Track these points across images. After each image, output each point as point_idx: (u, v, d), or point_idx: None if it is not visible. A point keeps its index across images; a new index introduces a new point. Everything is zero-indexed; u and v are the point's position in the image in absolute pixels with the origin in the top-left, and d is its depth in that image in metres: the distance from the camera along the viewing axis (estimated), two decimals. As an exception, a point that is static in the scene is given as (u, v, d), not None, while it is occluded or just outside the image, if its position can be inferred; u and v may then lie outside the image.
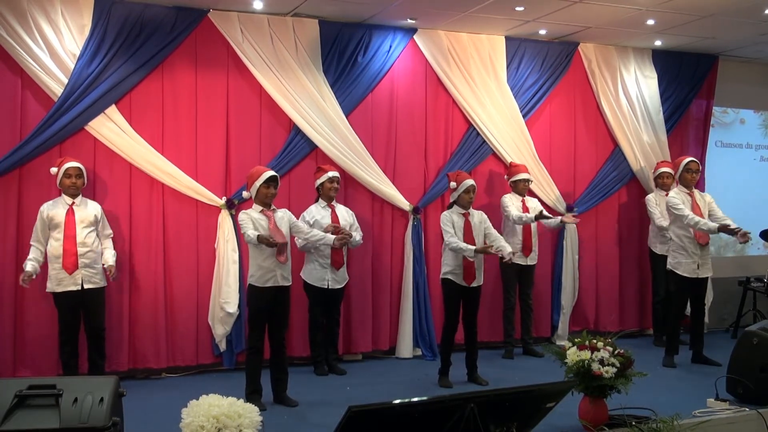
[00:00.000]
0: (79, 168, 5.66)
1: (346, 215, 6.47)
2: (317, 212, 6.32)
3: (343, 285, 6.46)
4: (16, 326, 5.87)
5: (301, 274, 6.31)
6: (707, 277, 6.63)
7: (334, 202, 6.44)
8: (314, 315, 6.39)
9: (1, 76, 5.88)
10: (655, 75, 8.01)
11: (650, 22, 6.86)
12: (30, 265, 5.50)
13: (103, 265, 5.69)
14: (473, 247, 5.75)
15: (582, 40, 7.64)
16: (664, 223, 7.09)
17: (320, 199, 6.40)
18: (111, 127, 6.10)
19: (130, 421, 3.81)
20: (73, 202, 5.63)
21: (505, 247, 5.92)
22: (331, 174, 6.36)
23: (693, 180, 6.60)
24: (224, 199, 6.42)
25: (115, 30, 6.07)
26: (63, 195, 5.66)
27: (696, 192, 6.62)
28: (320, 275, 6.26)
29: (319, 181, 6.39)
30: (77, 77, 5.95)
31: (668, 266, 6.62)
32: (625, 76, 7.87)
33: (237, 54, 6.45)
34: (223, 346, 6.38)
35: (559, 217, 7.22)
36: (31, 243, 5.59)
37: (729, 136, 8.72)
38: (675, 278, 6.57)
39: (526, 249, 6.98)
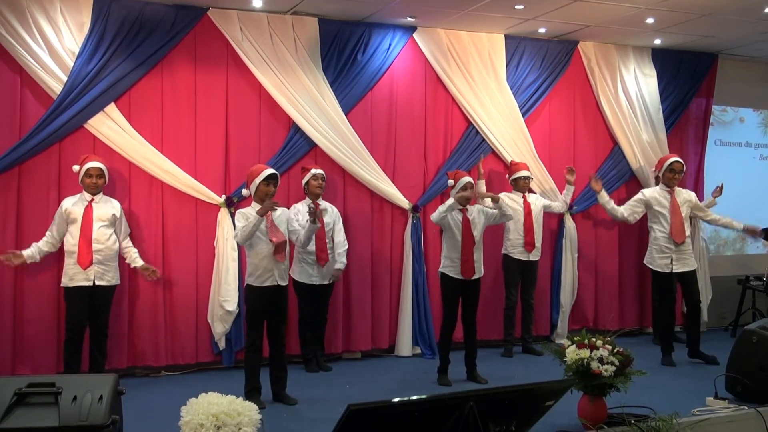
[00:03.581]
0: (100, 168, 5.70)
1: (331, 213, 6.47)
2: (303, 210, 6.33)
3: (331, 282, 6.47)
4: (15, 324, 5.87)
5: (290, 273, 6.32)
6: (692, 272, 6.64)
7: (320, 200, 6.44)
8: (303, 312, 6.40)
9: (1, 75, 5.87)
10: (654, 73, 8.01)
11: (650, 20, 6.86)
12: (30, 249, 5.61)
13: (138, 267, 5.83)
14: (450, 201, 5.81)
15: (581, 38, 7.64)
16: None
17: (307, 198, 6.41)
18: (110, 125, 6.09)
19: (129, 420, 3.81)
20: (93, 199, 5.66)
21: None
22: (315, 171, 6.37)
23: (675, 180, 6.70)
24: (223, 197, 6.42)
25: (114, 28, 6.07)
26: (84, 192, 5.70)
27: (677, 190, 6.71)
28: (307, 272, 6.27)
29: (304, 180, 6.41)
30: (76, 75, 5.94)
31: (644, 261, 6.85)
32: (625, 75, 7.87)
33: (236, 52, 6.44)
34: (222, 345, 6.38)
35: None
36: (47, 232, 5.65)
37: (728, 134, 8.72)
38: (652, 273, 6.79)
39: (528, 245, 6.98)
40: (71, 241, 5.58)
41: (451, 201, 5.81)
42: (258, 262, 5.25)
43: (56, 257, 5.84)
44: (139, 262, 5.85)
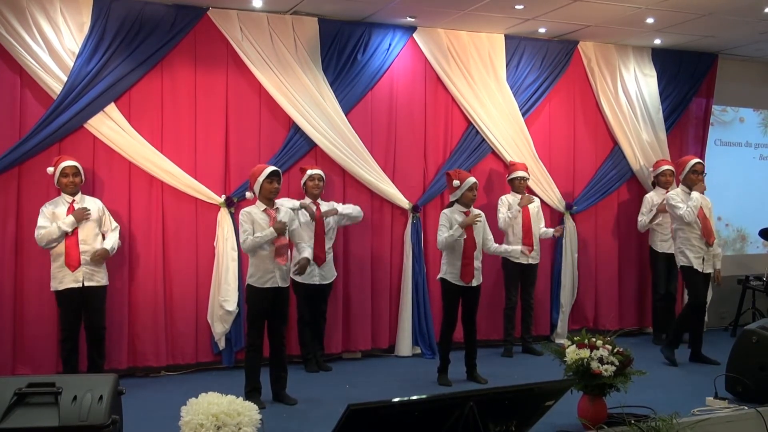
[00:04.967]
0: (75, 167, 5.64)
1: (329, 208, 6.46)
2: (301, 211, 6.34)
3: (330, 281, 6.49)
4: (15, 324, 5.87)
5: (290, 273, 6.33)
6: (710, 274, 6.69)
7: (319, 200, 6.45)
8: (302, 312, 6.41)
9: (1, 75, 5.87)
10: (654, 73, 8.01)
11: (650, 20, 6.86)
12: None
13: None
14: (457, 225, 5.78)
15: (581, 38, 7.64)
16: (645, 223, 7.50)
17: (306, 197, 6.42)
18: (110, 126, 6.09)
19: (129, 420, 3.81)
20: (74, 200, 5.63)
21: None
22: (311, 172, 6.39)
23: (698, 181, 6.63)
24: (223, 197, 6.42)
25: (114, 28, 6.07)
26: (62, 194, 5.66)
27: (701, 196, 6.67)
28: (307, 272, 6.25)
29: (302, 181, 6.44)
30: (76, 75, 5.94)
31: (679, 264, 6.68)
32: (625, 75, 7.87)
33: (236, 52, 6.44)
34: (222, 345, 6.38)
35: (550, 230, 7.17)
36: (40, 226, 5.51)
37: (728, 134, 8.72)
38: (690, 274, 6.61)
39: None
40: (57, 244, 5.53)
41: (457, 230, 5.77)
42: (259, 263, 5.25)
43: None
44: (106, 245, 5.63)
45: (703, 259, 6.56)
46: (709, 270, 6.64)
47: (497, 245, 6.20)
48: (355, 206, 6.62)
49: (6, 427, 3.07)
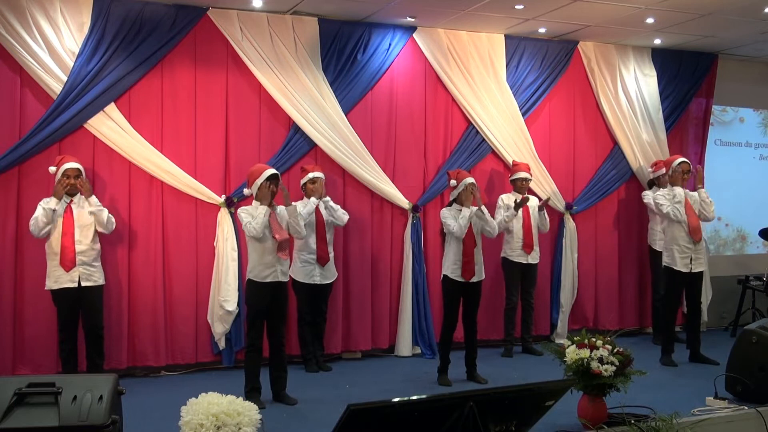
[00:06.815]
0: (77, 169, 5.64)
1: (327, 207, 6.46)
2: (301, 209, 6.33)
3: (331, 281, 6.50)
4: (15, 324, 5.87)
5: (289, 272, 6.33)
6: (701, 273, 6.66)
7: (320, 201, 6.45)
8: (302, 312, 6.41)
9: (1, 75, 5.87)
10: (654, 73, 8.01)
11: (650, 20, 6.86)
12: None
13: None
14: (472, 208, 5.79)
15: (581, 38, 7.64)
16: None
17: (304, 198, 6.42)
18: (110, 125, 6.09)
19: (129, 420, 3.81)
20: (71, 200, 5.63)
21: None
22: (312, 175, 6.38)
23: (685, 180, 6.66)
24: (223, 197, 6.42)
25: (114, 28, 6.07)
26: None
27: (686, 192, 6.66)
28: (307, 271, 6.28)
29: (302, 182, 6.43)
30: (76, 75, 5.94)
31: (663, 263, 6.69)
32: (625, 75, 7.87)
33: (236, 52, 6.44)
34: (222, 345, 6.38)
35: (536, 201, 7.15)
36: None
37: (728, 134, 8.72)
38: (669, 274, 6.63)
39: (527, 247, 6.98)
40: (53, 243, 5.52)
41: (468, 213, 5.77)
42: (261, 257, 5.25)
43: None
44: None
45: (691, 259, 6.53)
46: (698, 269, 6.58)
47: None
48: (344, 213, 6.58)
49: (6, 427, 3.07)
